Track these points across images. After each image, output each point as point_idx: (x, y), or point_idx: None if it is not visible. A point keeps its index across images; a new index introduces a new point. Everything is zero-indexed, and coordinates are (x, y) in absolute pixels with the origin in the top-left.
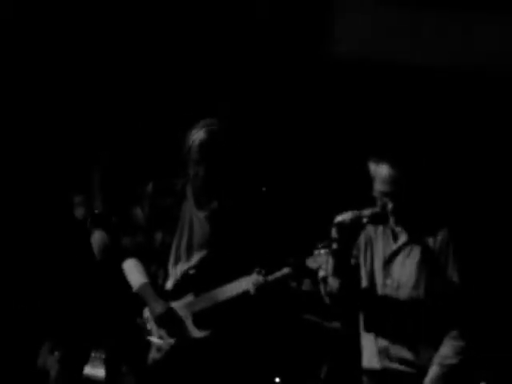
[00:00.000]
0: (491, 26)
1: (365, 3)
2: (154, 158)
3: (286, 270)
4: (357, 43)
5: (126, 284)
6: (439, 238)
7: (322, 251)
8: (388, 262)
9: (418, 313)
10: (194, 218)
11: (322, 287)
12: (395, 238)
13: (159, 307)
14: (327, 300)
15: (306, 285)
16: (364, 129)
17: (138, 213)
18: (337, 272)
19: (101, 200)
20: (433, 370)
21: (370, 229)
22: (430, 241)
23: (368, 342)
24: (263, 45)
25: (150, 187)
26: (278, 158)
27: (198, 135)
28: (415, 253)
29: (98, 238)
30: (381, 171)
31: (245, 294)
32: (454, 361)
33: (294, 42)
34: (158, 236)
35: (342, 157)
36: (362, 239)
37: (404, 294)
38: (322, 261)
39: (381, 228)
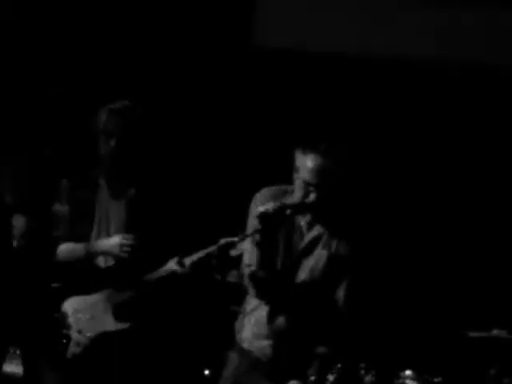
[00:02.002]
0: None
1: None
2: (70, 151)
3: (203, 260)
4: (284, 32)
5: (43, 278)
6: (346, 238)
7: (245, 240)
8: (300, 250)
9: (309, 299)
10: (110, 208)
11: (244, 272)
12: (310, 227)
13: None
14: (248, 285)
15: (232, 276)
16: (291, 119)
17: (58, 207)
18: (262, 263)
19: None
20: None
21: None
22: (338, 239)
23: (260, 319)
24: (187, 34)
25: (64, 181)
26: (199, 148)
27: (107, 118)
28: (322, 247)
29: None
30: (309, 161)
31: (165, 283)
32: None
33: (217, 32)
34: (80, 229)
35: (265, 147)
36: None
37: (301, 279)
38: (243, 248)
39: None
